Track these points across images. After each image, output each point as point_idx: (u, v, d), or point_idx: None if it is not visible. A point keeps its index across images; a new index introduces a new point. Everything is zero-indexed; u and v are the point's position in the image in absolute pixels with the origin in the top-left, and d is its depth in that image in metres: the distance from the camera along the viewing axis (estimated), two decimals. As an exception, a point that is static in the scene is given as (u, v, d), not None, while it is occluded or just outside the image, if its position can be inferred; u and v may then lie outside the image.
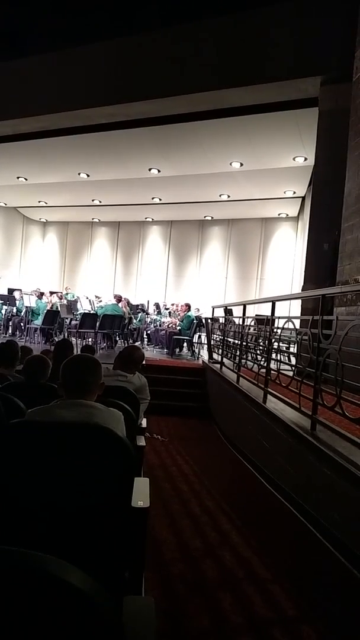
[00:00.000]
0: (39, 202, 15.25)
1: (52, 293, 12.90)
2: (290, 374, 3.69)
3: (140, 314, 11.74)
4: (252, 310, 8.42)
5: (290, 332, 4.50)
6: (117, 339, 10.58)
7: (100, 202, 14.61)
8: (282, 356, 5.38)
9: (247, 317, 5.64)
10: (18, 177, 12.53)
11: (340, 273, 5.69)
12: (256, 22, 7.21)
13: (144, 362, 7.12)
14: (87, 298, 12.74)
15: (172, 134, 9.01)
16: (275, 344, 4.33)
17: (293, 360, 5.14)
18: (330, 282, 5.89)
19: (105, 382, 1.89)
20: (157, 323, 11.53)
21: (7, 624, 0.55)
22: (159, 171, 11.04)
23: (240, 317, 5.72)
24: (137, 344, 11.18)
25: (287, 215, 13.61)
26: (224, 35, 7.45)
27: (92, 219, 16.69)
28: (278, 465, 3.35)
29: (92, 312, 10.37)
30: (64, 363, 1.80)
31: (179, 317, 10.09)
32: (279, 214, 13.72)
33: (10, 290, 12.14)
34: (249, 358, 5.44)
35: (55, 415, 1.64)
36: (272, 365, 4.10)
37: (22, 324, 10.67)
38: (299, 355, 3.57)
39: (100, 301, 12.23)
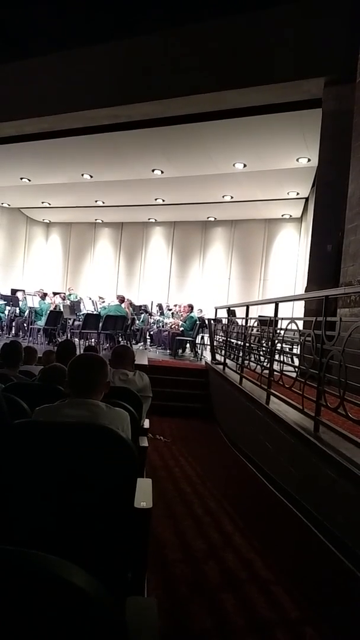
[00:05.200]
0: (43, 203, 15.30)
1: (55, 294, 12.94)
2: (294, 375, 3.68)
3: (143, 315, 11.75)
4: (255, 311, 8.42)
5: (294, 333, 4.49)
6: (120, 339, 10.59)
7: (103, 203, 14.64)
8: (285, 357, 5.37)
9: (250, 318, 5.63)
10: (21, 178, 12.57)
11: (343, 274, 5.68)
12: (259, 24, 7.22)
13: (146, 363, 7.16)
14: (90, 299, 12.77)
15: (175, 135, 9.02)
16: (278, 345, 4.32)
17: (296, 362, 5.13)
18: (334, 283, 5.88)
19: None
20: (160, 324, 11.53)
21: (10, 624, 0.55)
22: (162, 172, 11.05)
23: (243, 318, 5.72)
24: (139, 344, 11.20)
25: (291, 216, 13.60)
26: (227, 36, 7.45)
27: (95, 219, 16.72)
28: (281, 466, 3.35)
29: (95, 312, 10.38)
30: (70, 362, 1.83)
31: (181, 318, 10.09)
32: (282, 215, 13.71)
33: (14, 291, 12.17)
34: (252, 359, 5.44)
35: (62, 414, 1.65)
36: (275, 366, 4.09)
37: (25, 325, 10.69)
38: (302, 357, 3.56)
39: (104, 302, 12.25)
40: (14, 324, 11.24)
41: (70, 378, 1.80)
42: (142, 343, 11.39)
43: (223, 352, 6.75)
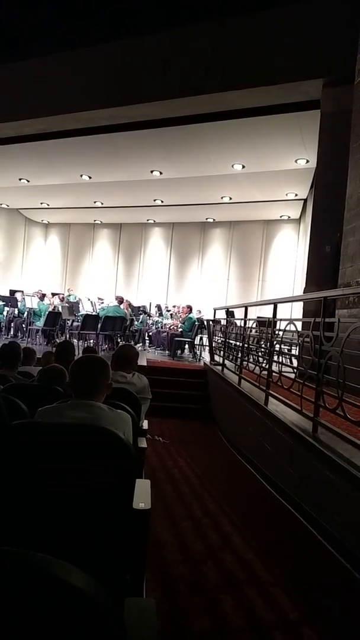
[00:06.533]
0: (41, 203, 15.29)
1: (54, 294, 12.92)
2: (292, 376, 3.69)
3: (141, 316, 11.74)
4: (253, 312, 8.42)
5: (292, 334, 4.50)
6: (119, 340, 10.58)
7: (102, 203, 14.64)
8: (283, 358, 5.38)
9: (249, 319, 5.63)
10: (20, 179, 12.57)
11: (342, 275, 5.69)
12: (258, 25, 7.23)
13: (145, 364, 7.16)
14: (89, 299, 12.75)
15: (174, 136, 9.03)
16: (277, 346, 4.33)
17: (295, 363, 5.13)
18: (332, 284, 5.89)
19: None
20: (159, 325, 11.53)
21: (10, 625, 0.55)
22: (160, 173, 11.06)
23: (241, 319, 5.72)
24: (138, 345, 11.19)
25: (289, 217, 13.62)
26: (226, 37, 7.47)
27: (94, 220, 16.72)
28: (279, 467, 3.35)
29: (93, 313, 10.38)
30: (73, 364, 1.84)
31: (180, 319, 10.09)
32: (280, 216, 13.73)
33: (12, 292, 12.16)
34: (251, 360, 5.44)
35: (64, 415, 1.66)
36: (274, 367, 4.09)
37: (23, 326, 10.68)
38: (301, 358, 3.56)
39: (102, 302, 12.24)
40: (12, 324, 11.23)
41: (72, 380, 1.81)
42: (140, 344, 11.38)
43: (222, 353, 6.75)
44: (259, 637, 1.81)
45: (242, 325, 5.67)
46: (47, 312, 10.07)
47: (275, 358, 4.38)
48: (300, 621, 1.92)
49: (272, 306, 4.37)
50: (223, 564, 2.35)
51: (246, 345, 5.45)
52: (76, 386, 1.79)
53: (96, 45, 8.54)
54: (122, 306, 10.26)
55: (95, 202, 14.49)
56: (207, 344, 8.54)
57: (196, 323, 9.49)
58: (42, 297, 11.26)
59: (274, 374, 3.94)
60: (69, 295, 13.76)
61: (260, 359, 4.94)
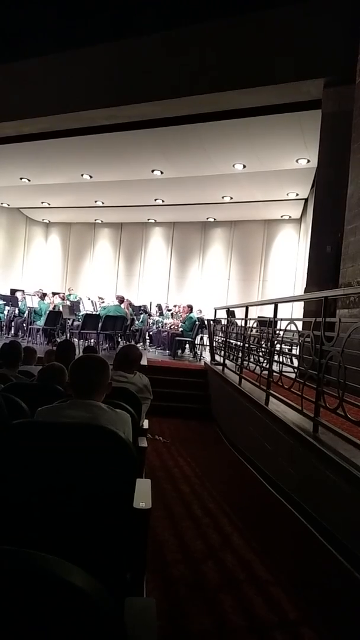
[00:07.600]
0: (42, 203, 15.30)
1: (54, 294, 12.94)
2: (293, 376, 3.69)
3: (142, 315, 11.75)
4: (254, 312, 8.42)
5: (293, 334, 4.50)
6: (119, 340, 10.58)
7: (102, 203, 14.64)
8: (284, 358, 5.38)
9: (250, 319, 5.63)
10: (21, 178, 12.57)
11: (342, 275, 5.69)
12: (259, 25, 7.22)
13: (145, 364, 7.15)
14: (90, 299, 12.76)
15: (174, 136, 9.02)
16: (278, 345, 4.32)
17: (295, 363, 5.13)
18: (333, 284, 5.88)
19: None
20: (159, 324, 11.53)
21: (10, 625, 0.55)
22: (161, 173, 11.05)
23: (242, 319, 5.72)
24: (139, 345, 11.18)
25: (290, 217, 13.61)
26: (227, 37, 7.46)
27: (95, 220, 16.72)
28: (280, 467, 3.35)
29: (94, 313, 10.38)
30: (72, 363, 1.84)
31: (181, 319, 10.09)
32: (281, 216, 13.73)
33: (13, 291, 12.17)
34: (251, 360, 5.44)
35: (64, 415, 1.66)
36: (275, 367, 4.09)
37: (24, 325, 10.68)
38: (301, 357, 3.56)
39: (103, 302, 12.25)
40: (13, 324, 11.24)
41: (71, 379, 1.81)
42: (141, 343, 11.38)
43: (222, 352, 6.74)
44: (259, 637, 1.81)
45: (243, 325, 5.66)
46: (47, 312, 10.07)
47: (276, 358, 4.37)
48: (300, 621, 1.92)
49: (272, 306, 4.37)
50: (223, 564, 2.35)
51: (247, 345, 5.45)
52: (76, 386, 1.79)
53: (96, 44, 8.52)
54: (122, 305, 10.26)
55: (96, 201, 14.50)
56: (208, 343, 8.53)
57: (197, 323, 9.49)
58: (43, 296, 11.26)
59: (274, 373, 3.93)
60: (70, 295, 13.77)
61: (261, 359, 4.94)
